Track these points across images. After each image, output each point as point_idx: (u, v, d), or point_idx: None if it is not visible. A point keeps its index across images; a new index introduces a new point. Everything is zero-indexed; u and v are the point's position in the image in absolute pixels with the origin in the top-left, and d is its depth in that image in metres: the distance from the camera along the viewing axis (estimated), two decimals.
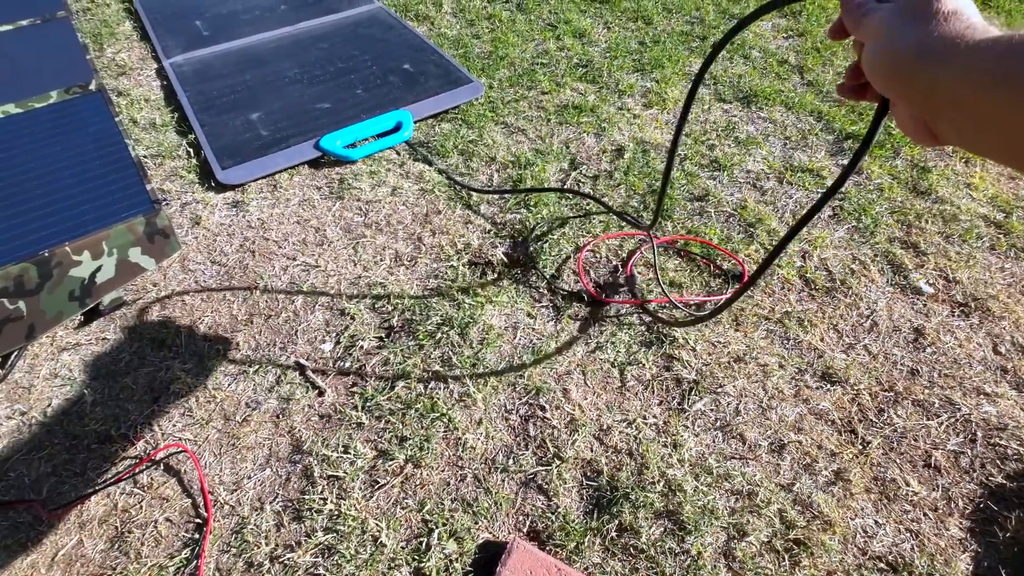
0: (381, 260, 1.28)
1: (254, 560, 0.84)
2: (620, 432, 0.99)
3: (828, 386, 1.06)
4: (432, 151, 1.55)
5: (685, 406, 1.02)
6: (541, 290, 1.22)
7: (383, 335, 1.14)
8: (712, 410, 1.02)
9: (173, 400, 1.02)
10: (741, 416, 1.01)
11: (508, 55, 1.89)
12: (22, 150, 1.47)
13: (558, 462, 0.95)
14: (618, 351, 1.11)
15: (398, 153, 1.54)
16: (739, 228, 1.35)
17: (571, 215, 1.36)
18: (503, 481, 0.93)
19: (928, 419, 1.02)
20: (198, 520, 0.88)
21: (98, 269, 1.21)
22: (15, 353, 1.09)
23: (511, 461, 0.95)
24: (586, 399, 1.04)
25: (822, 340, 1.13)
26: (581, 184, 1.46)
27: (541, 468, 0.94)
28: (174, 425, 0.99)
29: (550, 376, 1.07)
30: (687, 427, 1.00)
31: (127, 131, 1.54)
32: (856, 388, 1.05)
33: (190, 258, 1.27)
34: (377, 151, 1.52)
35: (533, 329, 1.15)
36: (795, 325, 1.15)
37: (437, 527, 0.87)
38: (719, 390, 1.04)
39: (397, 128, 1.57)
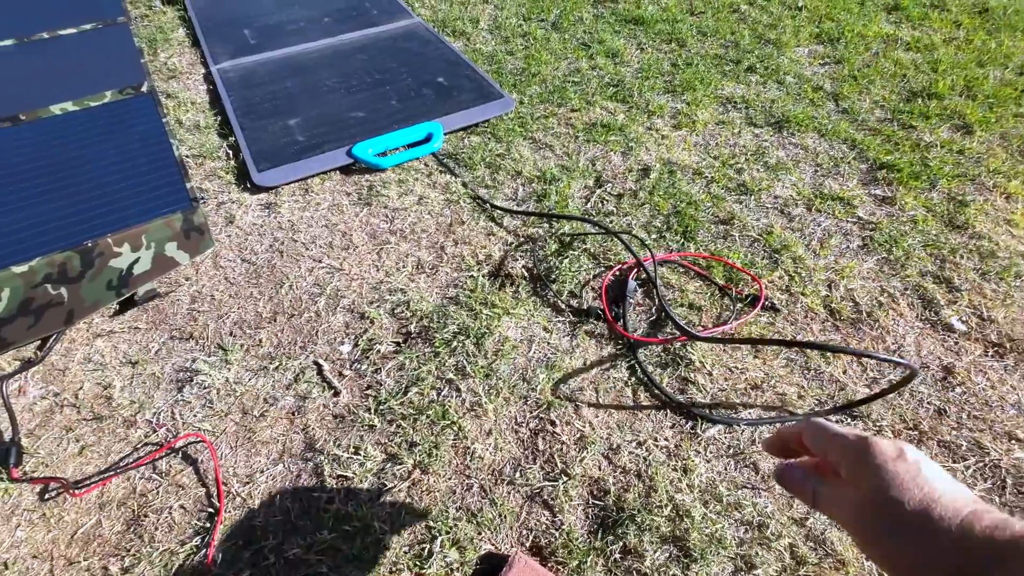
0: (403, 267, 1.30)
1: (261, 552, 0.86)
2: (630, 452, 0.98)
3: (849, 421, 1.03)
4: (459, 163, 1.58)
5: (698, 431, 1.01)
6: (559, 305, 1.22)
7: (400, 340, 1.16)
8: (725, 436, 1.00)
9: (196, 391, 1.06)
10: (756, 446, 0.99)
11: (540, 72, 1.92)
12: (76, 145, 1.56)
13: (565, 478, 0.94)
14: (633, 370, 1.10)
15: (426, 164, 1.58)
16: (764, 253, 1.33)
17: (592, 232, 1.37)
18: (509, 493, 0.93)
19: (955, 462, 0.98)
20: (211, 509, 0.91)
21: (136, 261, 1.26)
22: (53, 337, 1.14)
23: (518, 474, 0.95)
24: (597, 417, 1.03)
25: (844, 372, 1.10)
26: (606, 202, 1.46)
27: (548, 483, 0.94)
28: (195, 415, 1.03)
29: (562, 391, 1.07)
30: (699, 452, 0.98)
31: (172, 131, 1.61)
32: (879, 424, 1.02)
33: (222, 255, 1.32)
34: (406, 160, 1.56)
35: (548, 343, 1.15)
36: (816, 355, 1.12)
37: (440, 534, 0.87)
38: (734, 416, 1.03)
39: (427, 139, 1.60)
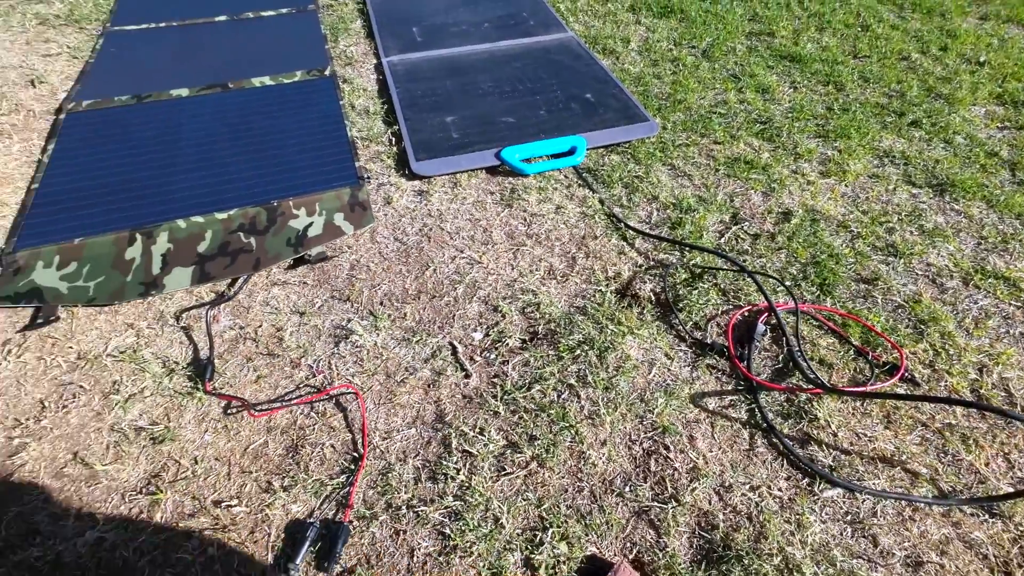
0: (536, 270, 1.38)
1: (393, 503, 0.97)
2: (742, 494, 0.99)
3: (986, 517, 0.97)
4: (598, 179, 1.64)
5: (815, 489, 1.00)
6: (682, 334, 1.24)
7: (527, 338, 1.24)
8: (845, 501, 0.98)
9: (350, 348, 1.20)
10: (877, 518, 0.96)
11: (686, 100, 1.93)
12: (268, 116, 1.79)
13: (674, 503, 0.97)
14: (752, 413, 1.10)
15: (566, 176, 1.65)
16: (908, 321, 1.27)
17: (726, 268, 1.37)
18: (617, 504, 0.98)
19: None
20: (355, 454, 1.04)
21: (310, 224, 1.45)
22: (241, 279, 1.34)
23: (628, 488, 1.00)
24: (711, 451, 1.05)
25: (987, 465, 1.03)
26: (741, 240, 1.46)
27: (656, 504, 0.98)
28: (348, 369, 1.17)
29: (678, 419, 1.10)
30: (814, 511, 0.97)
31: (346, 113, 1.81)
32: (1021, 529, 0.95)
33: (379, 231, 1.48)
34: (549, 170, 1.64)
35: (669, 370, 1.18)
36: (958, 440, 1.06)
37: (552, 526, 0.94)
38: (856, 484, 1.00)
39: (570, 152, 1.68)
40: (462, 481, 1.00)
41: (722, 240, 1.46)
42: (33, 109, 1.83)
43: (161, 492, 0.98)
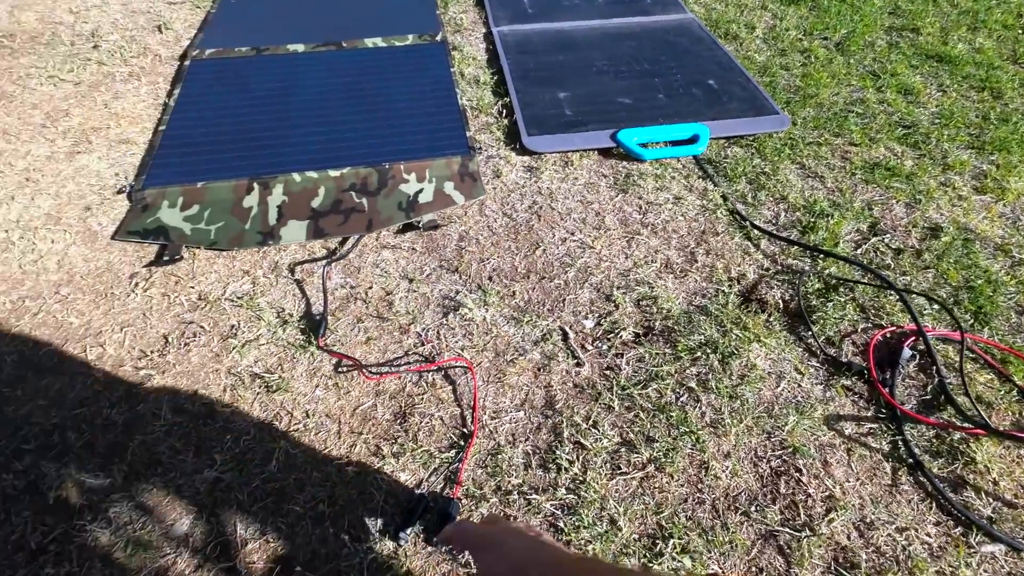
0: (652, 262, 1.30)
1: (503, 487, 0.93)
2: (887, 534, 0.89)
3: None
4: (719, 172, 1.53)
5: (972, 541, 0.89)
6: (814, 349, 1.14)
7: (641, 333, 1.17)
8: (1007, 560, 0.87)
9: (459, 321, 1.17)
10: None
11: (818, 95, 1.77)
12: (380, 77, 1.78)
13: (808, 533, 0.89)
14: (895, 446, 1.00)
15: (684, 164, 1.55)
16: None
17: (864, 282, 1.24)
18: (742, 524, 0.90)
19: None
20: (464, 430, 1.00)
21: (420, 191, 1.42)
22: (352, 239, 1.33)
23: (754, 508, 0.92)
24: (848, 481, 0.95)
25: None
26: (881, 254, 1.32)
27: (787, 531, 0.89)
28: (456, 342, 1.14)
29: (810, 440, 1.00)
30: (970, 565, 0.86)
31: (456, 81, 1.77)
32: None
33: (487, 205, 1.43)
34: (667, 157, 1.55)
35: (799, 386, 1.08)
36: None
37: (673, 537, 0.88)
38: (1023, 542, 0.88)
39: (692, 140, 1.57)
40: (575, 474, 0.95)
41: (859, 251, 1.33)
42: (159, 54, 1.89)
43: (274, 441, 0.99)
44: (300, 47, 1.87)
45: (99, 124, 1.60)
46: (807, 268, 1.28)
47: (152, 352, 1.11)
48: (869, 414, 1.04)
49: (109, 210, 1.38)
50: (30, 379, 1.06)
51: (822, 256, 1.30)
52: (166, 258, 1.26)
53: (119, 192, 1.41)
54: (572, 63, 1.87)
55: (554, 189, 1.47)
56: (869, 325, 1.18)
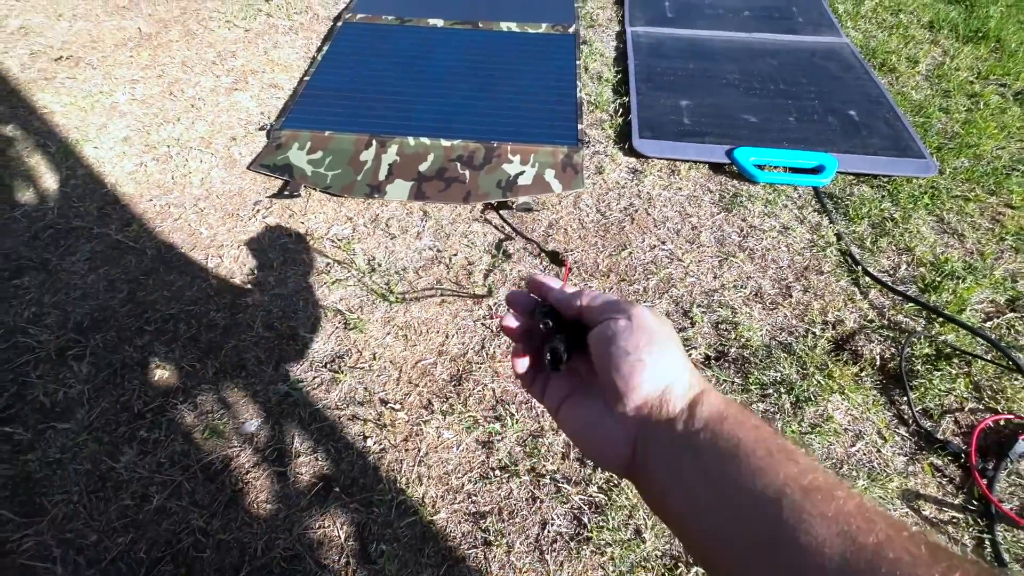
0: (742, 287, 1.24)
1: (538, 469, 0.95)
2: None
3: None
4: (840, 209, 1.41)
5: None
6: (906, 416, 1.02)
7: (713, 356, 1.12)
8: None
9: None
10: None
11: (979, 145, 1.57)
12: (507, 60, 1.83)
13: None
14: (980, 543, 0.87)
15: (801, 194, 1.45)
16: None
17: (987, 358, 1.09)
18: None
19: None
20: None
21: (521, 173, 1.45)
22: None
23: None
24: None
25: None
26: (1016, 333, 1.15)
27: None
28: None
29: None
30: None
31: (579, 74, 1.78)
32: None
33: (583, 198, 1.43)
34: (783, 183, 1.45)
35: (879, 451, 0.98)
36: None
37: (696, 565, 0.84)
38: None
39: (815, 170, 1.46)
40: (610, 476, 0.94)
41: (988, 324, 1.17)
42: (318, 13, 2.08)
43: (341, 373, 1.07)
44: (439, 22, 1.98)
45: (257, 68, 1.80)
46: (919, 329, 1.15)
47: (257, 271, 1.24)
48: (956, 502, 0.92)
49: (250, 143, 1.55)
50: (160, 272, 1.24)
51: (941, 320, 1.16)
52: (286, 193, 1.40)
53: (260, 129, 1.58)
54: (701, 72, 1.80)
55: (654, 195, 1.44)
56: (980, 407, 1.04)
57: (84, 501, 0.91)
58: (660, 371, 0.30)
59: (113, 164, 1.47)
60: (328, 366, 1.08)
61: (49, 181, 1.42)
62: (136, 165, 1.47)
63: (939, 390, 1.05)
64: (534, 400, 0.99)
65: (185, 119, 1.61)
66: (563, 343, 0.34)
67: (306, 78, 1.73)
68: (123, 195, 1.39)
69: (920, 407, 1.04)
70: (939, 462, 0.97)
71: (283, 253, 1.28)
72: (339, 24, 1.97)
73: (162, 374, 1.07)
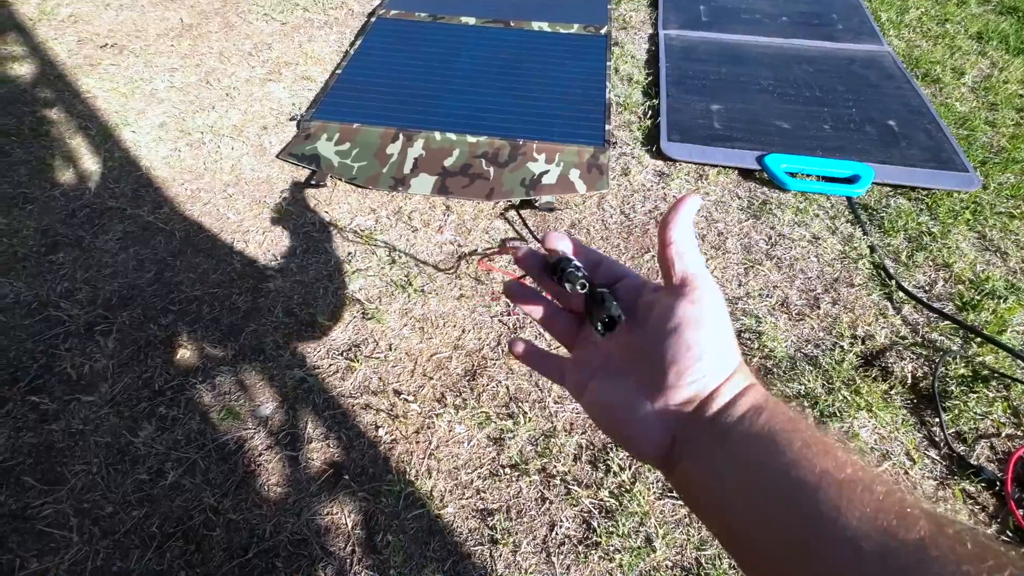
0: (767, 296, 1.20)
1: (548, 469, 0.93)
2: None
3: None
4: (874, 221, 1.36)
5: None
6: (937, 439, 0.98)
7: None
8: None
9: None
10: None
11: None
12: (538, 60, 1.82)
13: None
14: None
15: (834, 204, 1.40)
16: None
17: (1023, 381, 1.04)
18: None
19: None
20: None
21: (546, 172, 1.44)
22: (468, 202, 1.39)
23: None
24: None
25: None
26: None
27: None
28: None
29: None
30: None
31: (608, 75, 1.76)
32: None
33: (607, 199, 1.41)
34: (815, 192, 1.41)
35: (906, 473, 0.94)
36: None
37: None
38: None
39: (850, 180, 1.42)
40: (623, 481, 0.91)
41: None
42: (352, 9, 2.10)
43: (357, 362, 1.07)
44: (472, 20, 1.98)
45: (291, 60, 1.83)
46: (955, 349, 1.10)
47: (280, 257, 1.26)
48: (990, 531, 0.87)
49: (280, 132, 1.57)
50: (187, 254, 1.26)
51: (979, 340, 1.11)
52: (313, 182, 1.41)
53: (291, 119, 1.61)
54: (734, 77, 1.77)
55: None
56: (1019, 433, 0.99)
57: (102, 473, 0.93)
58: (717, 369, 0.28)
59: (149, 148, 1.51)
60: (344, 354, 1.09)
61: (88, 162, 1.46)
62: (170, 150, 1.51)
63: (974, 413, 1.00)
64: (548, 399, 0.98)
65: (219, 107, 1.64)
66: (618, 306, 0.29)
67: (338, 71, 1.75)
68: (157, 178, 1.43)
69: (953, 430, 0.99)
70: (971, 488, 0.92)
71: (306, 241, 1.30)
72: (372, 19, 1.99)
73: (183, 353, 1.09)
